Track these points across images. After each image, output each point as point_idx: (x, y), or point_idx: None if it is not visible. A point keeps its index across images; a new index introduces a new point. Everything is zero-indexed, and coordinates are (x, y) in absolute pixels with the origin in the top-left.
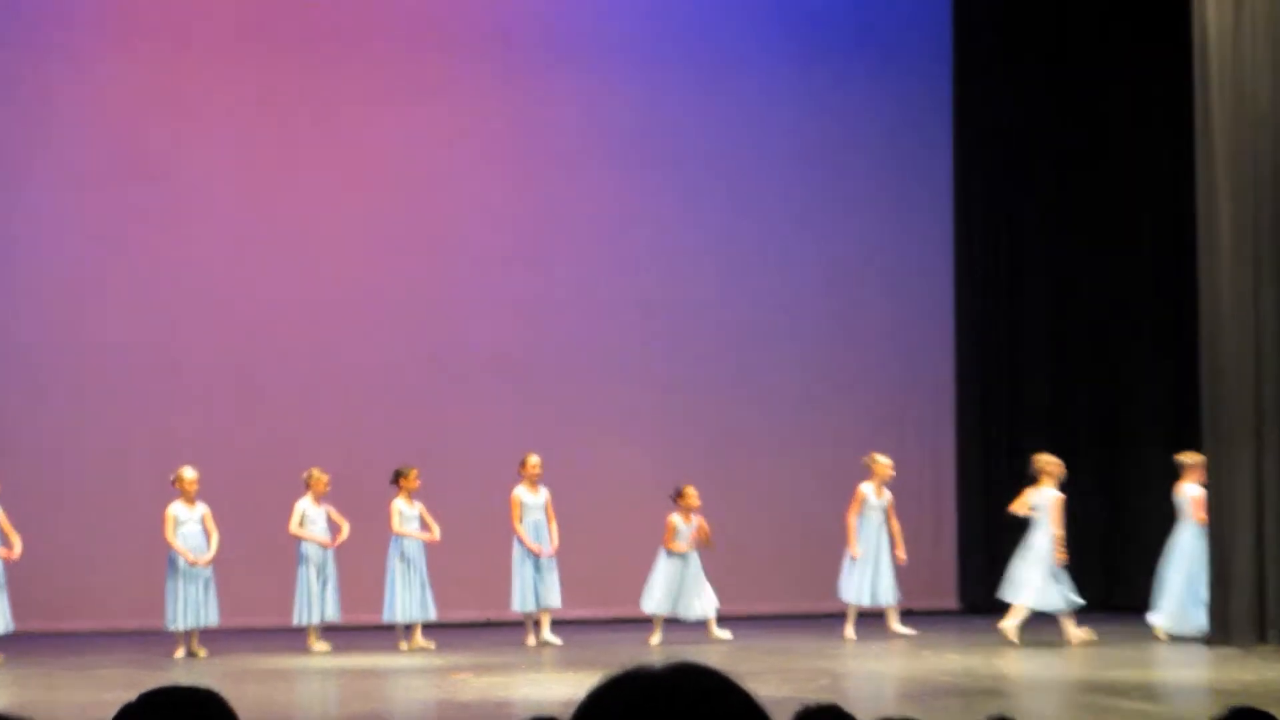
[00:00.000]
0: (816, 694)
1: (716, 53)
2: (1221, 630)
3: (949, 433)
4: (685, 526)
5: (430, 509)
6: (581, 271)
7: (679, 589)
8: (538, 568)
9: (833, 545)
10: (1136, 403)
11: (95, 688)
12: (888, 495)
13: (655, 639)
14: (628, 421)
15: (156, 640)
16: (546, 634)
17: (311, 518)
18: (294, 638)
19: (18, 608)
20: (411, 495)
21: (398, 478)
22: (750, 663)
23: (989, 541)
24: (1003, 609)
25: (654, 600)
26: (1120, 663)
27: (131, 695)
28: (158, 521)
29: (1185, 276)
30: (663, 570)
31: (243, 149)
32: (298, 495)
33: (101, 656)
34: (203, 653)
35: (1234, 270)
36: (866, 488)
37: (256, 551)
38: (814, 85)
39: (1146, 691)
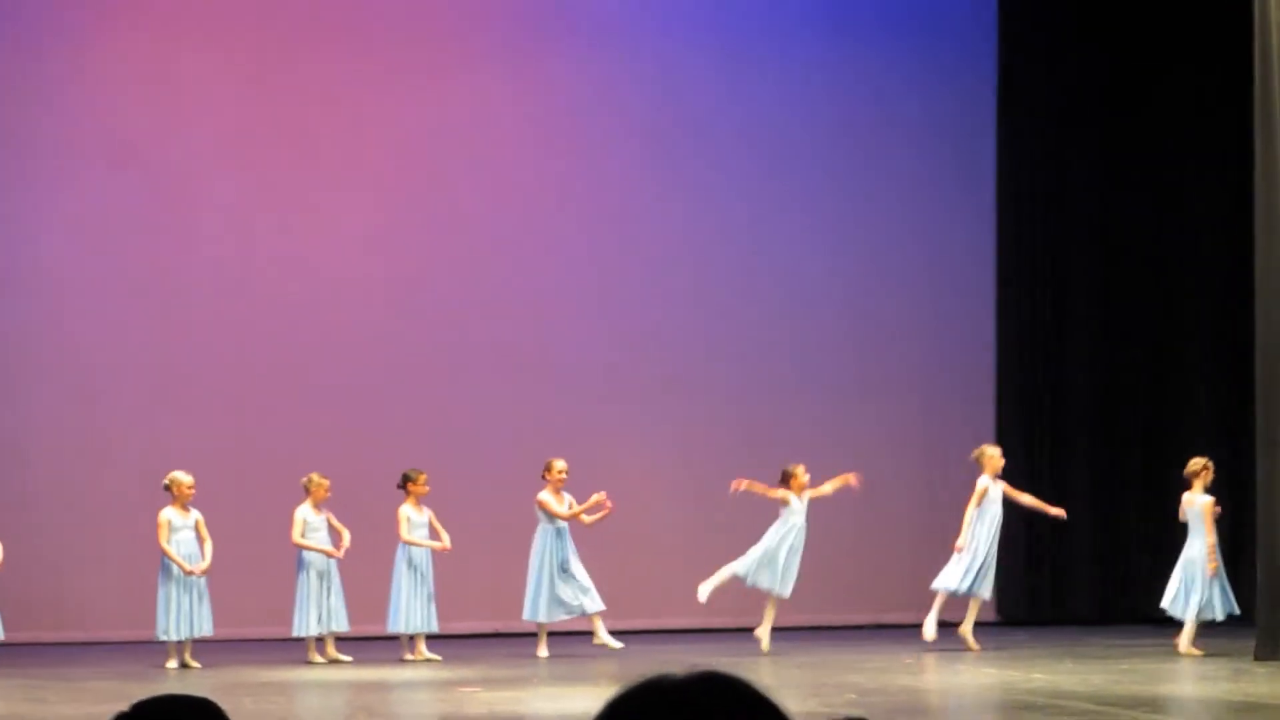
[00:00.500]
0: (846, 708)
1: (747, 31)
2: (1271, 644)
3: (988, 437)
4: (799, 501)
5: (436, 514)
6: (599, 262)
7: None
8: (565, 573)
9: (867, 554)
10: (1188, 407)
11: (86, 700)
12: (1002, 484)
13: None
14: (646, 421)
15: (147, 651)
16: (604, 637)
17: (313, 525)
18: (291, 649)
19: None
20: (420, 501)
21: (405, 482)
22: (778, 675)
23: (1028, 551)
24: (1038, 622)
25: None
26: (1168, 677)
27: (124, 707)
28: (146, 527)
29: (1242, 268)
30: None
31: (240, 137)
32: (292, 499)
33: (90, 668)
34: (196, 664)
35: None
36: (984, 480)
37: (250, 559)
38: (851, 67)
39: (1191, 707)
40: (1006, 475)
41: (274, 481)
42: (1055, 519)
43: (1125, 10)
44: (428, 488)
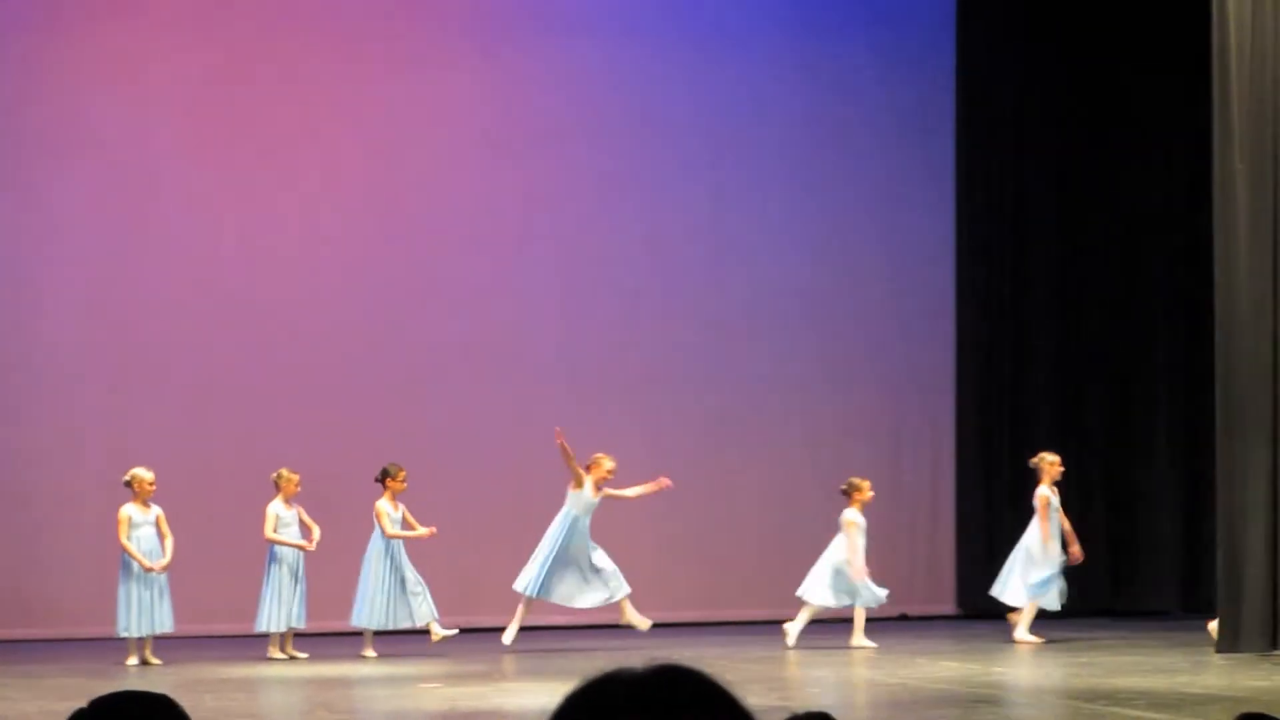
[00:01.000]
0: (806, 703)
1: (710, 26)
2: (1232, 637)
3: (948, 432)
4: (862, 518)
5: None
6: (564, 258)
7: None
8: (579, 566)
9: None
10: (1147, 400)
11: (46, 697)
12: (1056, 493)
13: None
14: (612, 416)
15: (108, 648)
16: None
17: (285, 520)
18: (251, 645)
19: None
20: (396, 497)
21: (384, 477)
22: (737, 671)
23: (988, 545)
24: (999, 615)
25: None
26: (1127, 670)
27: (83, 704)
28: (107, 523)
29: (1200, 265)
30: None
31: (201, 127)
32: (252, 494)
33: (50, 665)
34: (156, 661)
35: (1251, 261)
36: (1044, 490)
37: (210, 554)
38: (811, 63)
39: (1151, 699)
40: (971, 468)
41: (235, 477)
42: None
43: (1083, 3)
44: (405, 484)
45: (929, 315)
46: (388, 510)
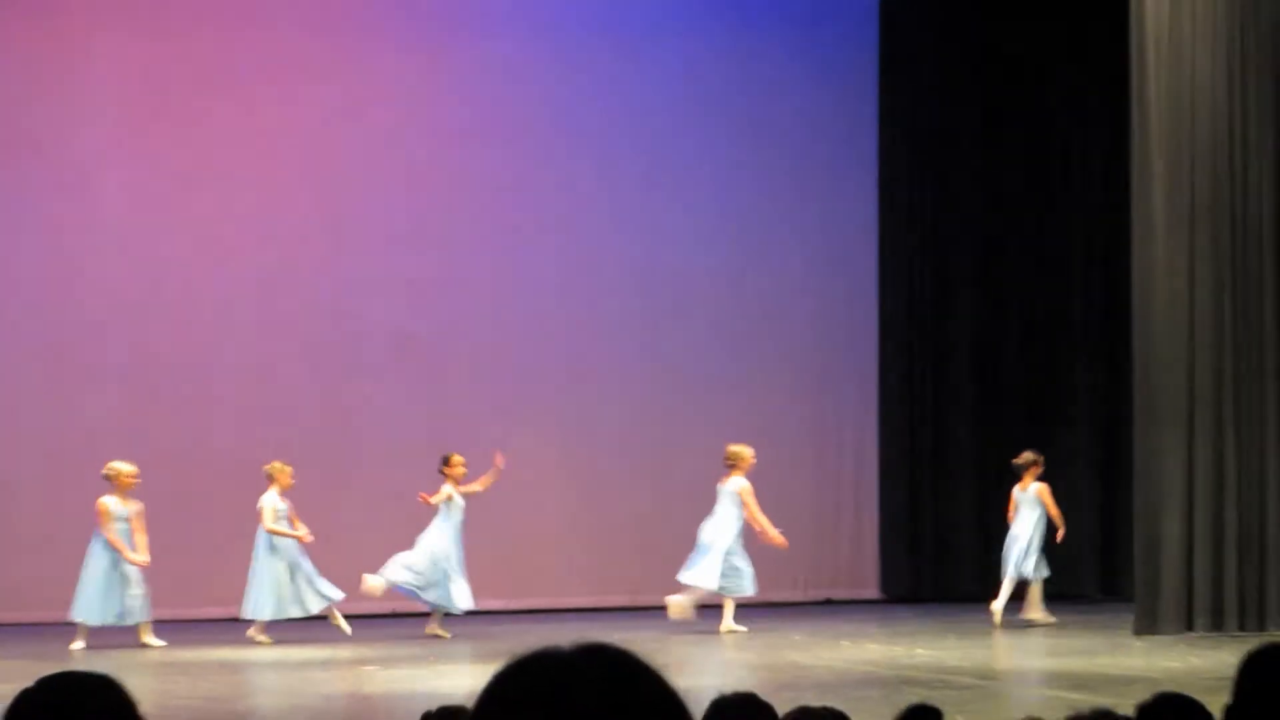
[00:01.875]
0: (734, 684)
1: (631, 22)
2: (1149, 619)
3: (872, 418)
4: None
5: (326, 499)
6: (491, 252)
7: None
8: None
9: (754, 533)
10: (1067, 389)
11: None
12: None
13: None
14: (536, 407)
15: (49, 633)
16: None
17: (281, 514)
18: (188, 630)
19: None
20: (460, 482)
21: (445, 465)
22: (667, 652)
23: (911, 530)
24: (922, 599)
25: None
26: (1045, 652)
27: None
28: (46, 510)
29: (1119, 259)
30: None
31: (138, 122)
32: (196, 484)
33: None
34: (160, 643)
35: (1168, 253)
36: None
37: (160, 541)
38: (734, 59)
39: (1072, 680)
40: (894, 454)
41: (177, 468)
42: None
43: (1010, 8)
44: (465, 469)
45: (852, 305)
46: (450, 492)
